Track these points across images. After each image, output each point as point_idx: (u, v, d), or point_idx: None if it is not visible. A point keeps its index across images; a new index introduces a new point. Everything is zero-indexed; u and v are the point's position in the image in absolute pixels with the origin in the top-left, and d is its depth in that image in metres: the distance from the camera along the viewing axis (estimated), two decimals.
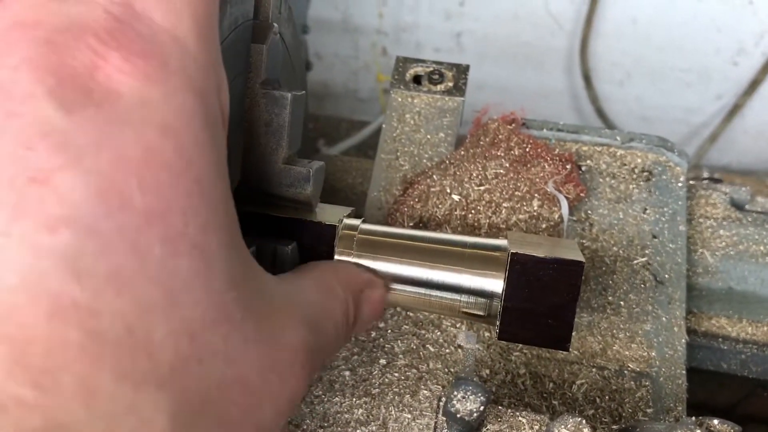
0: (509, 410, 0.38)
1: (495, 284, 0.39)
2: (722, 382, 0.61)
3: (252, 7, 0.40)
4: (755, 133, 1.30)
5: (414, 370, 0.47)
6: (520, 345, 0.49)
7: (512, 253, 0.39)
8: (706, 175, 1.07)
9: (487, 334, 0.49)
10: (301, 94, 0.42)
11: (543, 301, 0.38)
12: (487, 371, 0.48)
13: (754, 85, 1.20)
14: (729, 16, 1.12)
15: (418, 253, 0.40)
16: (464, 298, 0.39)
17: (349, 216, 0.42)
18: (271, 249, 0.38)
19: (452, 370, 0.47)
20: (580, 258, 0.38)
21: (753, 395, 0.63)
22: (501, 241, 0.40)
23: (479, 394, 0.33)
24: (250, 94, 0.42)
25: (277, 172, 0.41)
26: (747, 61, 1.18)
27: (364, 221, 0.42)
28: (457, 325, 0.49)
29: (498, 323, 0.39)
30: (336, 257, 0.40)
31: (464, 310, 0.40)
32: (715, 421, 0.34)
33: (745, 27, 1.13)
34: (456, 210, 0.53)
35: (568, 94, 1.32)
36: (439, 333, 0.49)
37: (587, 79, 1.25)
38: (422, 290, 0.40)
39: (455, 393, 0.34)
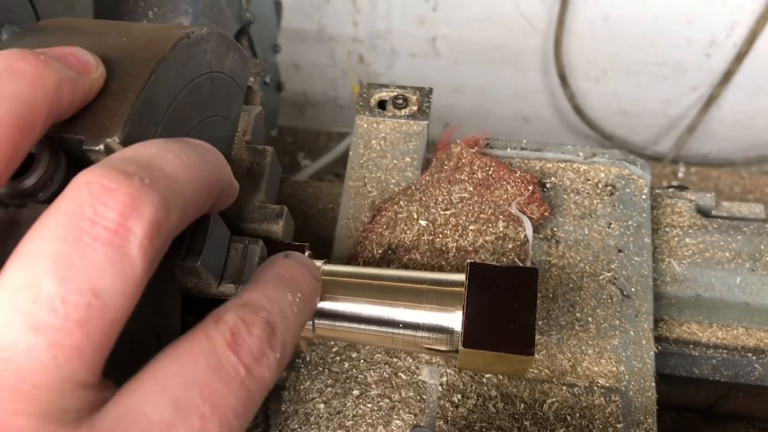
0: None
1: (453, 319, 0.40)
2: (698, 386, 0.62)
3: (220, 60, 0.40)
4: (732, 122, 1.31)
5: (387, 400, 0.48)
6: None
7: (471, 263, 0.40)
8: (681, 171, 1.08)
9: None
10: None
11: (503, 306, 0.39)
12: (459, 396, 0.48)
13: (728, 76, 1.21)
14: (699, 9, 1.13)
15: (379, 292, 0.41)
16: (425, 334, 0.40)
17: (309, 256, 0.43)
18: (243, 245, 0.39)
19: (424, 397, 0.48)
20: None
21: (728, 396, 0.64)
22: (459, 276, 0.41)
23: None
24: (236, 149, 0.44)
25: (252, 210, 0.43)
26: (719, 53, 1.19)
27: (326, 262, 0.43)
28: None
29: (461, 331, 0.39)
30: None
31: (426, 345, 0.40)
32: None
33: (716, 19, 1.14)
34: (424, 235, 0.54)
35: (545, 93, 1.33)
36: (411, 360, 0.50)
37: (563, 77, 1.26)
38: (384, 329, 0.40)
39: None
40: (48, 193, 0.29)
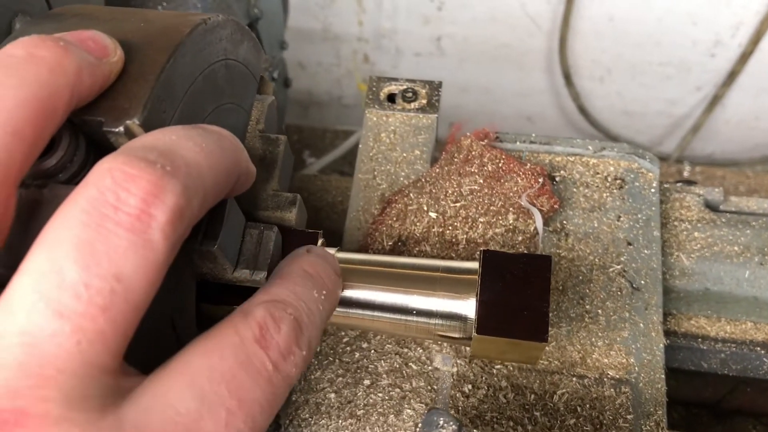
0: None
1: (467, 306, 0.40)
2: (706, 380, 0.63)
3: (235, 48, 0.41)
4: (736, 122, 1.32)
5: (397, 390, 0.48)
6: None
7: (484, 250, 0.40)
8: (687, 171, 1.08)
9: (468, 348, 0.50)
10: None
11: (517, 293, 0.39)
12: (469, 386, 0.49)
13: (732, 76, 1.21)
14: (704, 9, 1.14)
15: (392, 280, 0.41)
16: (438, 321, 0.40)
17: (323, 244, 0.43)
18: (258, 231, 0.39)
19: (435, 387, 0.48)
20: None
21: (736, 390, 0.64)
22: (472, 264, 0.41)
23: (451, 423, 0.34)
24: (249, 137, 0.44)
25: (266, 198, 0.43)
26: (724, 53, 1.19)
27: (339, 250, 0.43)
28: (439, 343, 0.50)
29: (475, 317, 0.39)
30: None
31: (439, 333, 0.41)
32: None
33: (721, 19, 1.14)
34: (434, 227, 0.54)
35: (550, 92, 1.34)
36: (421, 351, 0.50)
37: (567, 77, 1.26)
38: (398, 316, 0.41)
39: (426, 428, 0.35)
40: (68, 174, 0.30)
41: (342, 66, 1.42)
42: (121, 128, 0.30)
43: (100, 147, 0.31)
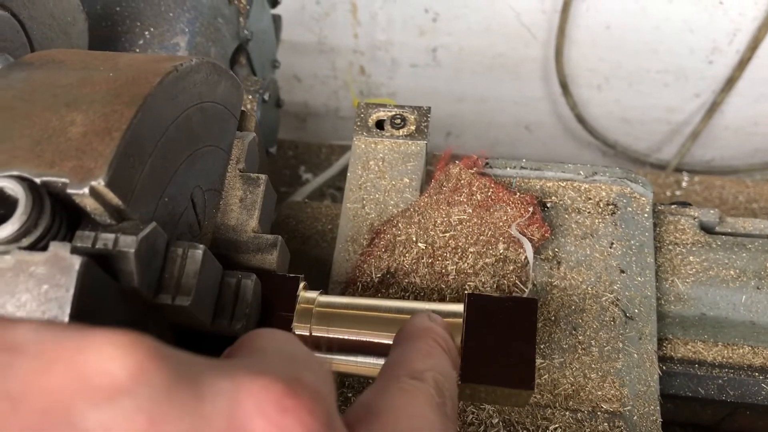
0: None
1: None
2: (704, 404, 0.61)
3: (212, 90, 0.40)
4: (735, 128, 1.30)
5: None
6: None
7: (469, 294, 0.39)
8: (685, 181, 1.07)
9: None
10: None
11: (502, 339, 0.38)
12: (459, 423, 0.48)
13: (730, 83, 1.20)
14: (700, 17, 1.12)
15: (376, 324, 0.40)
16: None
17: (304, 288, 0.42)
18: (235, 280, 0.38)
19: None
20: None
21: (736, 414, 0.63)
22: (457, 307, 0.40)
23: None
24: (229, 177, 0.43)
25: (246, 240, 0.42)
26: (722, 60, 1.18)
27: (321, 293, 0.42)
28: None
29: (460, 365, 0.39)
30: (294, 332, 0.40)
31: None
32: None
33: (718, 26, 1.13)
34: (423, 258, 0.53)
35: (547, 101, 1.33)
36: None
37: (564, 86, 1.25)
38: (382, 361, 0.40)
39: None
40: (32, 239, 0.29)
41: (338, 78, 1.41)
42: (86, 190, 0.29)
43: (67, 207, 0.30)
